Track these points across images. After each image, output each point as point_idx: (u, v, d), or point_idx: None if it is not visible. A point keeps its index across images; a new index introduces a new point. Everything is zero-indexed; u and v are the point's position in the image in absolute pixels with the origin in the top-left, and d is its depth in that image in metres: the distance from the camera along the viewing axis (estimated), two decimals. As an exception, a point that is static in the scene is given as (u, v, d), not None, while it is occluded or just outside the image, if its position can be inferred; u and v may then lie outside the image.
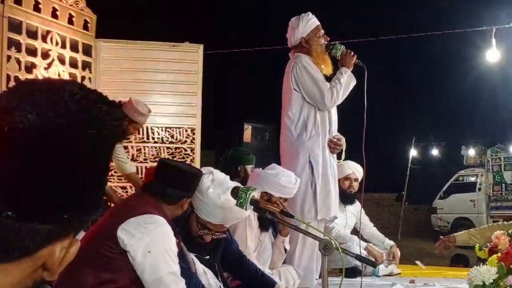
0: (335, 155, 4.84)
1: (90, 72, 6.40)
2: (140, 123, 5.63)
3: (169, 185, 2.94)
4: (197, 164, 6.72)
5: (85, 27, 6.36)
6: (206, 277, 3.22)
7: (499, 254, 3.22)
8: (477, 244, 4.06)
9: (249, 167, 4.86)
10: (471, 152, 20.60)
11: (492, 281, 2.85)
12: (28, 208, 0.86)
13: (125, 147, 6.24)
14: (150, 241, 2.66)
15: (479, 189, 18.46)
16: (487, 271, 2.88)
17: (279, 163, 4.65)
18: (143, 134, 6.55)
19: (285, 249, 4.29)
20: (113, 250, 2.64)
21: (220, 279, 3.39)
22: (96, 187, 0.95)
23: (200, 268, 3.22)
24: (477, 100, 25.13)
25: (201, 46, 6.85)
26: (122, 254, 2.65)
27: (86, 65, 6.36)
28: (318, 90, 4.63)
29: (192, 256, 3.20)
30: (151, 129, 6.59)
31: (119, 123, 0.94)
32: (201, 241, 3.25)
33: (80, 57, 6.27)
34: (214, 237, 3.26)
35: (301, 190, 4.49)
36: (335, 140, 4.77)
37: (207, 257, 3.35)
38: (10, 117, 0.85)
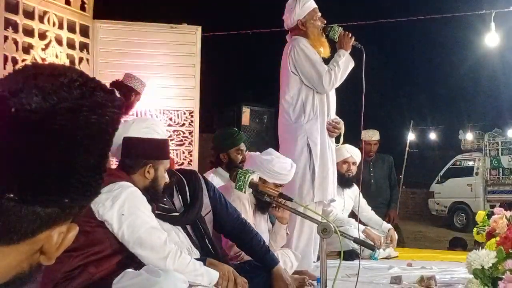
0: (333, 139, 4.82)
1: (88, 54, 6.36)
2: (141, 93, 5.89)
3: (126, 157, 3.03)
4: (195, 147, 6.71)
5: (82, 8, 6.31)
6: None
7: (497, 238, 3.22)
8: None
9: (233, 151, 4.83)
10: (469, 136, 20.61)
11: (491, 265, 2.85)
12: (30, 191, 0.87)
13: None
14: (120, 205, 2.76)
15: (476, 174, 18.50)
16: (486, 255, 2.88)
17: (277, 146, 4.64)
18: (141, 117, 6.52)
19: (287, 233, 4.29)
20: (92, 223, 2.74)
21: (195, 238, 3.33)
22: (96, 173, 0.95)
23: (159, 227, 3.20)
24: (476, 84, 25.11)
25: (199, 28, 6.80)
26: (101, 225, 2.76)
27: (83, 46, 6.32)
28: (316, 72, 4.61)
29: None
30: (149, 112, 6.57)
31: (119, 110, 0.96)
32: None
33: (77, 38, 6.23)
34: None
35: (299, 173, 4.49)
36: (334, 123, 4.75)
37: (176, 213, 3.31)
38: (17, 98, 0.85)
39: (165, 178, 3.11)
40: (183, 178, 3.44)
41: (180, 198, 3.41)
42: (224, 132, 5.15)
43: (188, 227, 3.34)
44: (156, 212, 3.21)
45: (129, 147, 3.03)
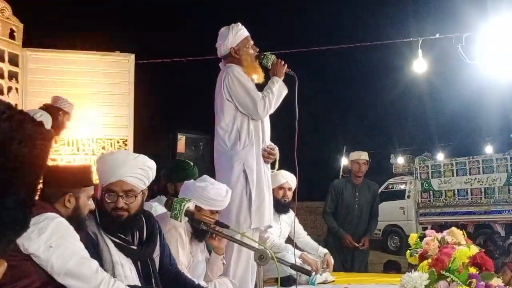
0: (269, 165, 4.85)
1: (17, 82, 6.21)
2: (69, 113, 5.91)
3: (45, 186, 2.95)
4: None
5: (12, 36, 6.18)
6: (122, 269, 3.15)
7: (429, 260, 3.30)
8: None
9: (181, 184, 4.79)
10: (400, 160, 21.15)
11: (423, 287, 2.91)
12: None
13: (55, 159, 6.09)
14: (47, 237, 2.67)
15: (408, 197, 18.94)
16: (419, 277, 2.94)
17: (213, 174, 4.63)
18: (73, 146, 6.39)
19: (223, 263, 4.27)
20: (17, 257, 2.62)
21: (143, 275, 3.30)
22: (26, 207, 0.93)
23: (117, 257, 3.16)
24: (405, 109, 25.87)
25: (133, 56, 6.76)
26: (27, 259, 2.65)
27: (12, 75, 6.17)
28: (250, 99, 4.64)
29: (110, 245, 3.15)
30: (82, 141, 6.45)
31: (49, 142, 0.94)
32: (118, 217, 3.19)
33: (6, 66, 6.08)
34: (122, 199, 3.18)
35: (236, 201, 4.48)
36: (269, 149, 4.78)
37: (134, 247, 3.28)
38: None
39: (89, 205, 3.04)
40: (142, 217, 3.41)
41: (138, 234, 3.37)
42: (178, 164, 5.13)
43: (139, 264, 3.30)
44: (116, 241, 3.16)
45: (47, 176, 2.95)
